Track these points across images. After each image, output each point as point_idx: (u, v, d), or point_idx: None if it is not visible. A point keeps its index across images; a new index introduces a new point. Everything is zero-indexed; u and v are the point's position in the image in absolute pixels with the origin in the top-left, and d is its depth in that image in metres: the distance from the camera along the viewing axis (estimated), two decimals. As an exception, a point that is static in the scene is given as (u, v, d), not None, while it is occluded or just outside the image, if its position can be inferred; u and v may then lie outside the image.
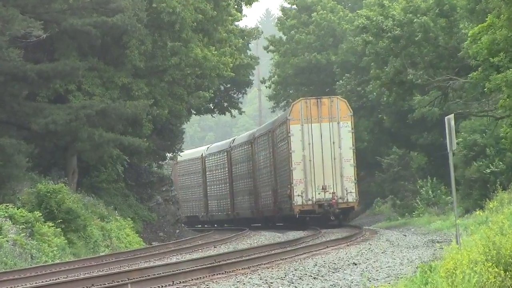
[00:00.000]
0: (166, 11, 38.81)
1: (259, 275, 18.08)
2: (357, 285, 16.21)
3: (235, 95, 63.28)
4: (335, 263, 20.29)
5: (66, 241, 29.32)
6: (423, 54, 39.25)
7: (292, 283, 16.68)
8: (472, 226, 25.48)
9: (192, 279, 17.97)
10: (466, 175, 38.64)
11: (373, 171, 57.47)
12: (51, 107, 34.76)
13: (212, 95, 51.56)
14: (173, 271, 19.73)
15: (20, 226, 27.02)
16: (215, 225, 59.31)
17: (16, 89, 33.56)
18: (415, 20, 38.69)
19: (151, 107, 38.55)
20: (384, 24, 39.28)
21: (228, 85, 61.36)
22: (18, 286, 19.83)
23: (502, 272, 12.81)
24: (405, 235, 32.05)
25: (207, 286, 16.74)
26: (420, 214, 43.48)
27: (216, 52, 43.42)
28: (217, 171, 56.98)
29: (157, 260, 26.02)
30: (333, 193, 40.15)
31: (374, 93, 49.71)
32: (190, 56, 40.71)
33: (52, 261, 26.49)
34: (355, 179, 40.52)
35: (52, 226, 28.82)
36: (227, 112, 63.76)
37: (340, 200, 40.23)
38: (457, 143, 31.20)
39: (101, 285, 18.23)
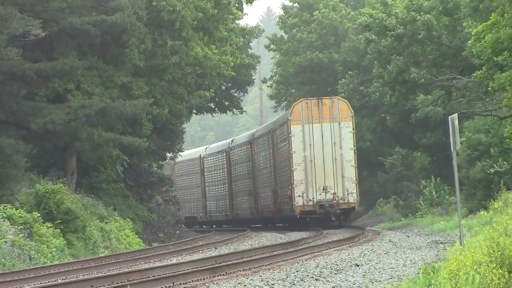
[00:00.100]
0: (166, 10, 38.66)
1: (260, 276, 17.99)
2: (359, 286, 16.11)
3: (236, 94, 63.14)
4: (337, 264, 20.21)
5: (65, 242, 29.24)
6: (426, 53, 39.12)
7: (294, 284, 16.59)
8: (476, 227, 25.56)
9: (193, 281, 17.87)
10: (470, 175, 38.52)
11: (376, 171, 57.32)
12: (50, 106, 34.64)
13: (213, 94, 51.45)
14: (173, 272, 19.65)
15: (19, 227, 26.91)
16: (214, 226, 59.33)
17: (14, 88, 33.43)
18: (418, 18, 38.56)
19: (151, 107, 38.45)
20: (387, 22, 39.08)
21: (229, 84, 61.20)
22: (16, 287, 19.71)
23: (506, 273, 12.73)
24: (408, 236, 32.03)
25: (207, 288, 16.65)
26: (424, 215, 43.40)
27: (216, 51, 43.28)
28: (215, 172, 57.05)
29: (157, 261, 25.93)
30: (334, 193, 40.36)
31: (377, 94, 49.58)
32: (191, 55, 40.60)
33: (51, 262, 26.39)
34: (356, 180, 40.79)
35: (51, 227, 28.73)
36: (228, 111, 63.61)
37: (341, 201, 40.47)
38: (461, 143, 31.04)
39: (100, 286, 18.20)
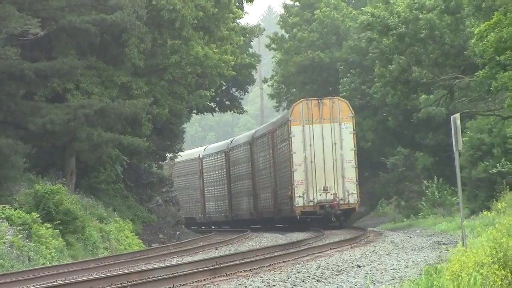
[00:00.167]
0: (166, 9, 38.55)
1: (261, 277, 17.94)
2: (361, 287, 15.98)
3: (236, 93, 63.04)
4: (338, 266, 20.16)
5: (64, 243, 29.19)
6: (428, 52, 38.99)
7: (295, 285, 16.54)
8: (478, 228, 25.60)
9: (193, 282, 17.83)
10: (472, 176, 38.41)
11: (378, 171, 57.20)
12: (48, 106, 34.53)
13: (213, 94, 51.35)
14: (173, 273, 19.58)
15: (17, 228, 26.86)
16: (213, 227, 59.24)
17: (13, 88, 33.33)
18: (420, 17, 38.37)
19: (150, 106, 38.35)
20: (389, 20, 38.93)
21: (230, 84, 61.07)
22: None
23: (509, 274, 12.69)
24: (410, 237, 32.03)
25: (207, 289, 16.64)
26: (426, 216, 43.36)
27: (217, 50, 43.13)
28: (214, 172, 57.07)
29: (157, 262, 25.89)
30: (335, 194, 40.56)
31: (378, 94, 49.42)
32: (191, 54, 40.50)
33: (50, 263, 26.33)
34: (356, 180, 40.99)
35: (50, 228, 28.64)
36: (228, 111, 63.49)
37: (341, 201, 40.69)
38: (463, 143, 30.91)
39: (100, 287, 18.15)
